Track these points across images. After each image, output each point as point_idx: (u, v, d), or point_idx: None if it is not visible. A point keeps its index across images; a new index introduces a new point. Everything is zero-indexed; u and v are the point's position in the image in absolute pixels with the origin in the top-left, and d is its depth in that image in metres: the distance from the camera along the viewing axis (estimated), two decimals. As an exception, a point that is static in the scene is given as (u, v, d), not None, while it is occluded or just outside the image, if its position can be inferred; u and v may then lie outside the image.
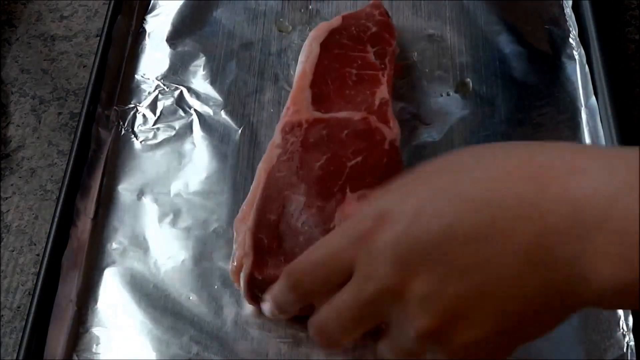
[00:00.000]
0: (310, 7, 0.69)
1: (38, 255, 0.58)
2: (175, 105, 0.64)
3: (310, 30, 0.65)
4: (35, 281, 0.54)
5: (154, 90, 0.64)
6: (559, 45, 0.65)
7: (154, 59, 0.67)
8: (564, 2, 0.67)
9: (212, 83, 0.65)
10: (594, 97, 0.60)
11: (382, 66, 0.60)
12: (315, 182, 0.54)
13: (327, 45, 0.61)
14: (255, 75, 0.65)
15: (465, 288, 0.35)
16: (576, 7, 0.66)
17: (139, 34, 0.68)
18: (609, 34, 0.65)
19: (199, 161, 0.60)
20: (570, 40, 0.65)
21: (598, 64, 0.62)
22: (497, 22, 0.67)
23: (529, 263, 0.35)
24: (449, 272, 0.35)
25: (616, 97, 0.60)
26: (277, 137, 0.57)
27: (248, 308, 0.53)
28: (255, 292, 0.51)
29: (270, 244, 0.51)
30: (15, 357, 0.52)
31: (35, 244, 0.59)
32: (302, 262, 0.42)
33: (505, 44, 0.66)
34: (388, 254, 0.36)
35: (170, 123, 0.63)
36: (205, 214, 0.58)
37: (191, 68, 0.66)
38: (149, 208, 0.58)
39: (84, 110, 0.61)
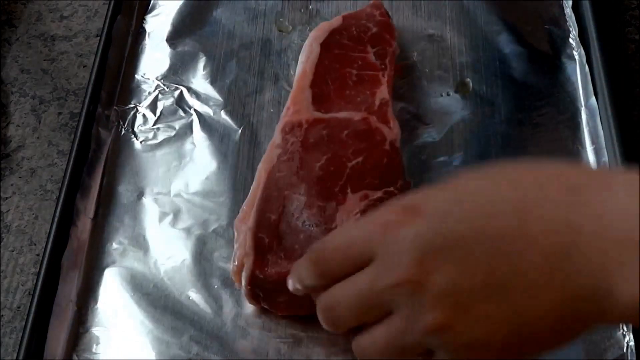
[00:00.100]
0: (310, 7, 0.69)
1: (38, 255, 0.58)
2: (175, 105, 0.64)
3: (310, 30, 0.65)
4: (35, 281, 0.54)
5: (154, 90, 0.64)
6: (559, 45, 0.65)
7: (154, 59, 0.67)
8: (564, 2, 0.67)
9: (212, 83, 0.65)
10: (594, 97, 0.60)
11: (383, 66, 0.60)
12: (315, 182, 0.54)
13: (328, 45, 0.61)
14: (255, 75, 0.65)
15: (483, 285, 0.35)
16: (576, 7, 0.66)
17: (139, 34, 0.68)
18: (609, 34, 0.65)
19: (199, 161, 0.60)
20: (570, 40, 0.65)
21: (598, 64, 0.62)
22: (497, 22, 0.67)
23: (553, 272, 0.35)
24: (469, 269, 0.36)
25: (616, 97, 0.60)
26: (277, 137, 0.57)
27: (248, 308, 0.53)
28: (256, 291, 0.51)
29: (271, 244, 0.51)
30: (15, 357, 0.52)
31: (35, 244, 0.59)
32: (327, 241, 0.42)
33: (505, 44, 0.66)
34: (411, 247, 0.37)
35: (170, 123, 0.63)
36: (205, 214, 0.58)
37: (191, 68, 0.66)
38: (149, 208, 0.58)
39: (84, 110, 0.61)
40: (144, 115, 0.63)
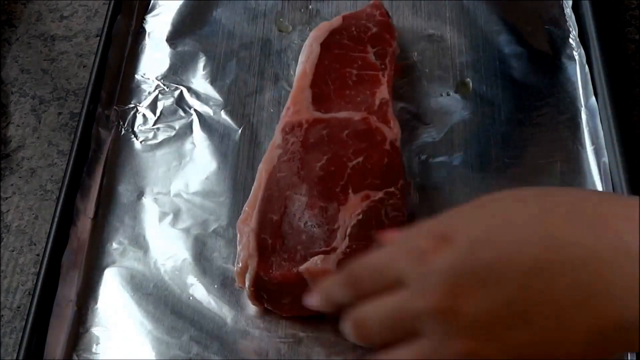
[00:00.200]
0: (310, 7, 0.69)
1: (38, 255, 0.58)
2: (175, 105, 0.64)
3: (310, 30, 0.65)
4: (35, 281, 0.54)
5: (154, 90, 0.64)
6: (559, 46, 0.65)
7: (154, 58, 0.67)
8: (564, 2, 0.67)
9: (212, 83, 0.65)
10: (594, 98, 0.60)
11: (383, 66, 0.60)
12: (316, 182, 0.54)
13: (328, 45, 0.61)
14: (255, 75, 0.65)
15: (512, 314, 0.36)
16: (576, 7, 0.66)
17: (139, 33, 0.68)
18: (609, 34, 0.65)
19: (199, 161, 0.60)
20: (570, 40, 0.65)
21: (598, 64, 0.62)
22: (497, 22, 0.67)
23: (581, 303, 0.36)
24: (498, 298, 0.37)
25: (616, 97, 0.60)
26: (277, 137, 0.57)
27: (248, 308, 0.53)
28: (260, 293, 0.51)
29: (274, 245, 0.51)
30: (15, 357, 0.52)
31: (35, 244, 0.59)
32: (363, 264, 0.43)
33: (505, 44, 0.66)
34: (443, 276, 0.38)
35: (170, 123, 0.63)
36: (205, 214, 0.58)
37: (191, 68, 0.66)
38: (149, 208, 0.58)
39: (84, 110, 0.61)
40: (144, 115, 0.63)
